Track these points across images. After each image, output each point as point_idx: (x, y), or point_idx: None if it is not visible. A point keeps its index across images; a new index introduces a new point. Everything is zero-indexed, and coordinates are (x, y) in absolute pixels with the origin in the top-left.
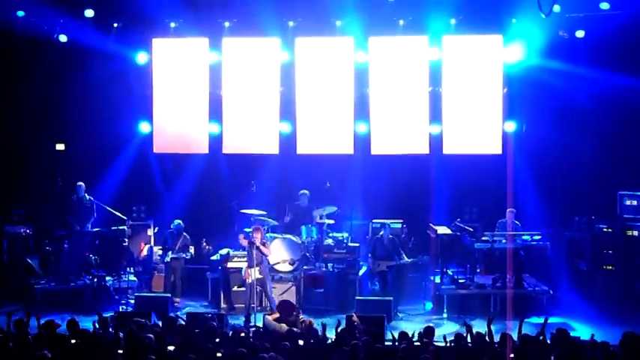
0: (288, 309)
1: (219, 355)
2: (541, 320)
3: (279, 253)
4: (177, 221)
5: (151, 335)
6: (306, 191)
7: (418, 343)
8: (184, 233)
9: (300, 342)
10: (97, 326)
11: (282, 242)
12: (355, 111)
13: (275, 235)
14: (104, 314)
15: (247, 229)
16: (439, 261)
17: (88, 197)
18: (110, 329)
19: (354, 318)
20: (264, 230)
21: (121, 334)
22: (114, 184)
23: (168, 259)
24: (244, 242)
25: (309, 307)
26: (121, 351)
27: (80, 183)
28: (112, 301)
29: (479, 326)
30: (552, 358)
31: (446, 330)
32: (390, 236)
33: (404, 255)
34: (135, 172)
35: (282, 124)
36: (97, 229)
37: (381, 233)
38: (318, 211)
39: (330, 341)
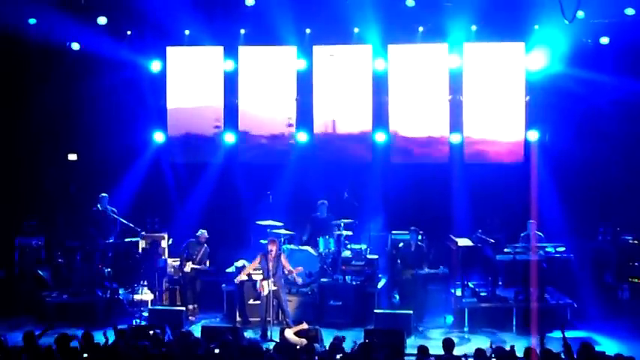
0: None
1: None
2: (567, 334)
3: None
4: (201, 231)
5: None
6: (324, 201)
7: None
8: (206, 244)
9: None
10: (114, 338)
11: (299, 254)
12: (374, 119)
13: (292, 247)
14: (118, 327)
15: (263, 241)
16: (460, 273)
17: (110, 209)
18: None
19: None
20: (281, 242)
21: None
22: (127, 194)
23: (188, 269)
24: (255, 264)
25: (326, 320)
26: None
27: (104, 194)
28: (125, 314)
29: (500, 341)
30: None
31: (467, 344)
32: (419, 243)
33: (426, 267)
34: (149, 183)
35: (299, 133)
36: (110, 240)
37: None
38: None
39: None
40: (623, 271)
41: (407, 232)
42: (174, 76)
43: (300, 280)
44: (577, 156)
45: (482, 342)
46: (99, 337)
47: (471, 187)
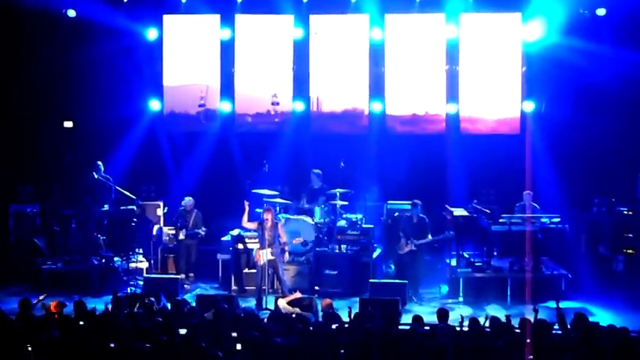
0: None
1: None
2: (561, 305)
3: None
4: (187, 198)
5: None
6: (318, 171)
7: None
8: (196, 210)
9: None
10: (110, 306)
11: (295, 223)
12: (370, 89)
13: (288, 215)
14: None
15: (259, 210)
16: (455, 243)
17: (105, 176)
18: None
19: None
20: (276, 211)
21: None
22: (123, 162)
23: (182, 236)
24: (253, 225)
25: (322, 290)
26: None
27: (99, 162)
28: (120, 282)
29: (495, 311)
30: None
31: (462, 314)
32: (421, 215)
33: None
34: (144, 151)
35: (295, 103)
36: (105, 208)
37: (409, 213)
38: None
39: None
40: (617, 242)
41: (402, 202)
42: (171, 45)
43: (287, 257)
44: (573, 127)
45: (476, 312)
46: (93, 305)
47: (467, 157)
